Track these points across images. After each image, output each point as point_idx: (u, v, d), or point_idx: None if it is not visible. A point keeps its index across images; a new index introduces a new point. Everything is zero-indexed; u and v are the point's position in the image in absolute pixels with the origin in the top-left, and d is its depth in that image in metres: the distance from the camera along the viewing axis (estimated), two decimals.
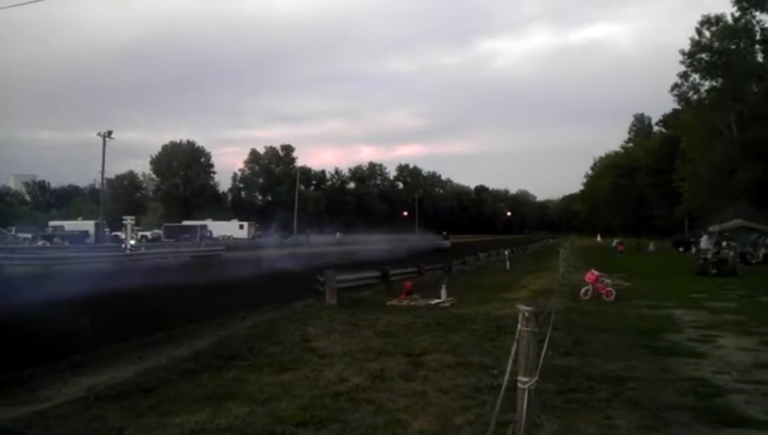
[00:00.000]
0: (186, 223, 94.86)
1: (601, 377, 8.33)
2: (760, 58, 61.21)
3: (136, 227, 63.60)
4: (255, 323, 13.37)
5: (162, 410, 6.73)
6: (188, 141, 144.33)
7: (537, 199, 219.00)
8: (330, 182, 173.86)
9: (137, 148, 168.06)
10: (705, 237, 43.56)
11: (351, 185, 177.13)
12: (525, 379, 5.13)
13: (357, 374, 8.41)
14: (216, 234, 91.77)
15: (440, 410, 6.76)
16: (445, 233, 79.77)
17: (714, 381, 8.20)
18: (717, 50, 60.39)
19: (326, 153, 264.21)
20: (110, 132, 69.75)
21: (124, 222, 42.72)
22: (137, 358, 9.68)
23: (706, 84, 64.02)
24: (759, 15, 59.66)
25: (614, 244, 61.18)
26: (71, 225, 70.65)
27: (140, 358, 9.68)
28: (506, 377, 4.92)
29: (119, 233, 62.75)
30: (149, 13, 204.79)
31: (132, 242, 46.26)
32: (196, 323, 13.05)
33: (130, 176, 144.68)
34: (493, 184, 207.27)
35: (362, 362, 9.17)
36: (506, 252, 39.13)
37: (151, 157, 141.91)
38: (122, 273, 28.23)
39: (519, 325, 5.14)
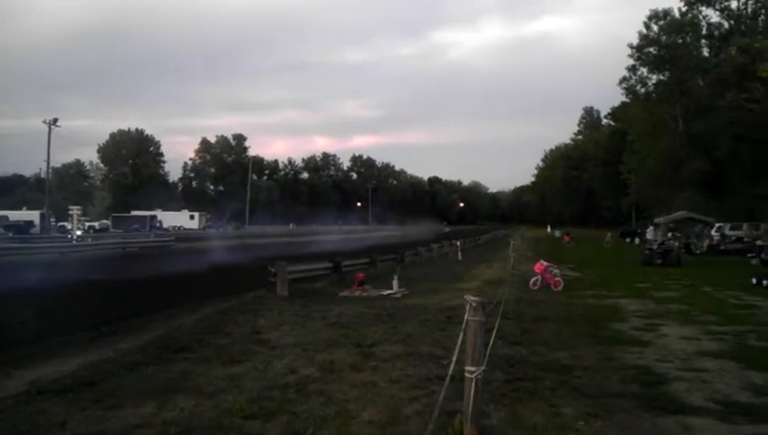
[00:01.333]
0: (135, 213, 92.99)
1: (548, 366, 8.46)
2: (706, 52, 62.78)
3: (83, 218, 62.19)
4: (205, 315, 13.17)
5: (106, 404, 6.59)
6: (137, 129, 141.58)
7: (489, 191, 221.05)
8: (283, 172, 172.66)
9: (84, 136, 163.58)
10: (651, 228, 44.69)
11: (305, 175, 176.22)
12: (473, 368, 5.18)
13: (307, 366, 8.37)
14: (165, 224, 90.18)
15: (389, 401, 6.78)
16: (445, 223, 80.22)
17: (657, 370, 8.40)
18: (665, 44, 61.72)
19: (279, 143, 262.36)
20: (55, 120, 67.89)
21: (70, 212, 41.80)
22: (81, 351, 9.44)
23: (654, 78, 65.55)
24: (705, 10, 61.32)
25: (558, 234, 62.57)
26: (15, 215, 68.53)
27: (85, 351, 9.45)
28: (452, 367, 4.95)
29: (65, 223, 61.35)
30: None
31: (79, 233, 45.33)
32: (143, 316, 12.80)
33: (77, 165, 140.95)
34: (446, 175, 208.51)
35: (312, 354, 9.13)
36: (458, 243, 39.41)
37: (99, 145, 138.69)
38: (67, 264, 27.55)
39: (466, 315, 5.18)
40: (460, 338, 4.91)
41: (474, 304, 5.19)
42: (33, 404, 6.64)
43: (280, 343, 10.01)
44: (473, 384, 5.16)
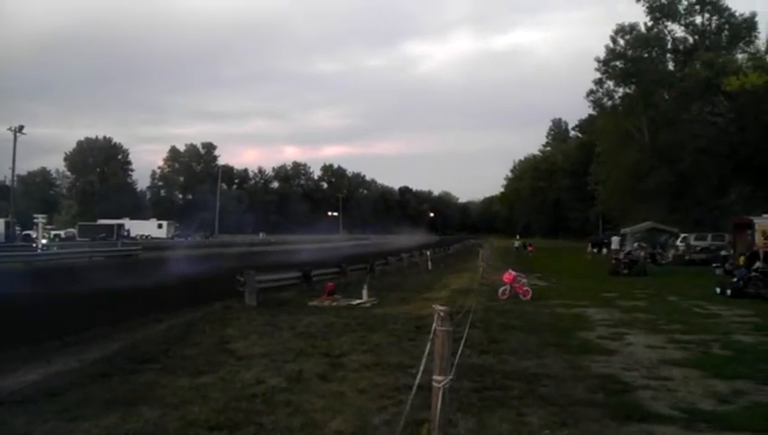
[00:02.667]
0: (102, 222, 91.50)
1: (516, 375, 8.51)
2: (671, 66, 63.88)
3: (48, 226, 61.16)
4: (172, 325, 13.03)
5: (70, 415, 6.48)
6: (105, 137, 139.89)
7: (459, 201, 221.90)
8: (253, 181, 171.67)
9: (51, 144, 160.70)
10: (615, 238, 45.32)
11: (275, 184, 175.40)
12: (440, 378, 5.18)
13: (274, 376, 8.32)
14: (133, 233, 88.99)
15: (357, 411, 6.76)
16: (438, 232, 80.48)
17: (623, 378, 8.50)
18: (631, 58, 62.71)
19: (249, 152, 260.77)
20: (21, 127, 66.71)
21: (35, 221, 41.04)
22: (45, 362, 9.29)
23: (620, 91, 66.54)
24: (671, 25, 62.51)
25: (516, 245, 64.32)
26: None
27: (49, 362, 9.30)
28: (419, 377, 4.95)
29: (30, 232, 60.23)
30: (66, 4, 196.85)
31: (44, 241, 44.55)
32: (109, 326, 12.61)
33: (43, 173, 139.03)
34: (416, 185, 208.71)
35: (280, 364, 9.08)
36: (428, 252, 39.51)
37: (66, 153, 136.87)
38: (32, 273, 27.05)
39: (434, 325, 5.19)
40: (428, 348, 4.92)
41: (441, 314, 5.20)
42: None
43: (248, 353, 9.93)
44: (440, 393, 5.16)
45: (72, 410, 6.64)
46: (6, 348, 10.01)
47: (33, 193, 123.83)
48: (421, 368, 4.88)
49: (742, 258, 25.00)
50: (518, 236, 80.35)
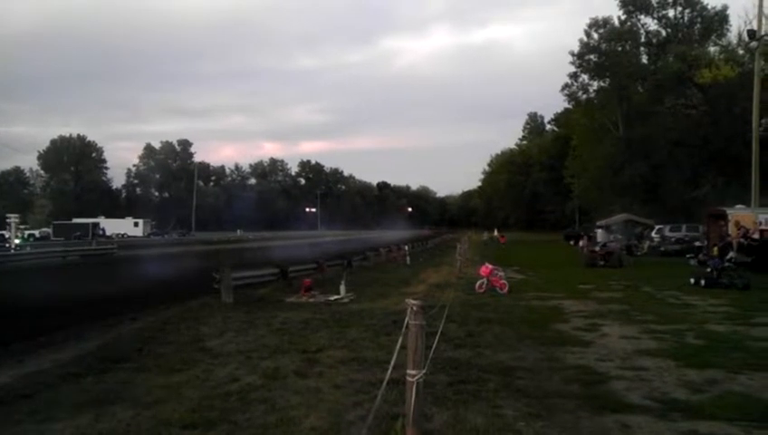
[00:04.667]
0: (77, 221, 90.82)
1: (491, 368, 8.53)
2: (645, 60, 64.47)
3: (23, 226, 60.35)
4: (146, 323, 12.91)
5: (41, 416, 6.41)
6: (79, 135, 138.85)
7: (437, 195, 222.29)
8: (230, 178, 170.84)
9: (24, 142, 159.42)
10: (600, 231, 45.77)
11: (252, 181, 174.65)
12: (414, 372, 5.18)
13: (250, 373, 8.27)
14: (109, 232, 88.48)
15: (333, 407, 6.73)
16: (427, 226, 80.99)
17: (597, 369, 8.54)
18: (605, 51, 63.31)
19: (226, 149, 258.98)
20: None
21: (8, 220, 40.52)
22: (17, 362, 9.17)
23: (595, 84, 67.13)
24: (644, 19, 63.07)
25: (485, 238, 66.41)
26: None
27: (20, 362, 9.18)
28: (389, 371, 4.94)
29: (3, 232, 59.51)
30: (40, 0, 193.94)
31: (17, 241, 44.01)
32: (82, 326, 12.48)
33: (16, 172, 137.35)
34: (394, 180, 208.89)
35: (256, 361, 9.02)
36: (406, 247, 39.52)
37: (39, 152, 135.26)
38: (3, 274, 26.66)
39: (407, 319, 5.18)
40: (399, 342, 4.90)
41: (414, 308, 5.19)
42: None
43: (223, 350, 9.86)
44: (414, 387, 5.15)
45: (44, 411, 6.57)
46: None
47: (7, 193, 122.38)
48: (392, 363, 4.85)
49: (715, 249, 25.29)
50: (496, 231, 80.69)
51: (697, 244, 33.98)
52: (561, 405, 6.79)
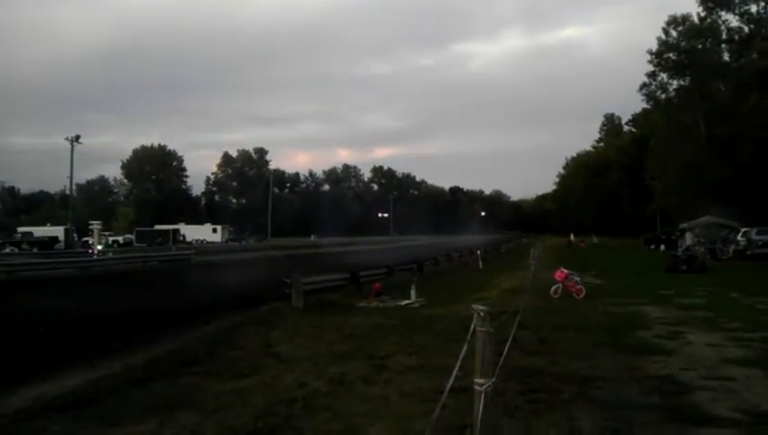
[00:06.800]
0: (158, 227, 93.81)
1: (566, 377, 8.15)
2: (726, 57, 62.02)
3: (106, 232, 62.65)
4: (218, 328, 13.05)
5: (107, 421, 6.45)
6: (160, 145, 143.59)
7: (511, 199, 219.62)
8: (304, 184, 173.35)
9: (108, 152, 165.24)
10: (688, 234, 44.14)
11: (326, 187, 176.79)
12: (482, 380, 4.93)
13: (316, 379, 8.15)
14: (189, 238, 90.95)
15: (400, 415, 6.52)
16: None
17: (680, 379, 8.06)
18: (684, 49, 61.20)
19: (301, 156, 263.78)
20: (77, 136, 68.95)
21: (91, 227, 42.08)
22: (89, 366, 9.35)
23: (674, 83, 65.00)
24: (724, 15, 60.58)
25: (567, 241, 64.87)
26: (40, 231, 69.39)
27: (93, 366, 9.37)
28: (451, 380, 4.71)
29: (88, 238, 61.98)
30: (120, 16, 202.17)
31: (100, 247, 45.68)
32: (156, 330, 12.69)
33: (101, 181, 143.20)
34: (467, 184, 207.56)
35: (324, 367, 8.92)
36: (479, 252, 39.08)
37: (122, 161, 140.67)
38: (84, 278, 27.61)
39: (473, 325, 4.94)
40: (464, 349, 4.66)
41: (481, 314, 4.94)
42: (35, 422, 6.51)
43: (291, 355, 9.81)
44: (482, 397, 4.90)
45: (111, 416, 6.62)
46: (51, 353, 10.10)
47: (93, 201, 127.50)
48: (455, 371, 4.62)
49: None
50: (572, 235, 79.05)
51: None
52: (640, 417, 6.40)
